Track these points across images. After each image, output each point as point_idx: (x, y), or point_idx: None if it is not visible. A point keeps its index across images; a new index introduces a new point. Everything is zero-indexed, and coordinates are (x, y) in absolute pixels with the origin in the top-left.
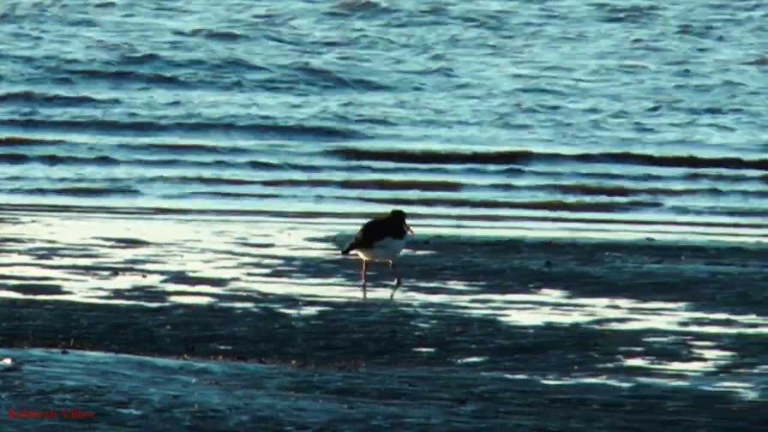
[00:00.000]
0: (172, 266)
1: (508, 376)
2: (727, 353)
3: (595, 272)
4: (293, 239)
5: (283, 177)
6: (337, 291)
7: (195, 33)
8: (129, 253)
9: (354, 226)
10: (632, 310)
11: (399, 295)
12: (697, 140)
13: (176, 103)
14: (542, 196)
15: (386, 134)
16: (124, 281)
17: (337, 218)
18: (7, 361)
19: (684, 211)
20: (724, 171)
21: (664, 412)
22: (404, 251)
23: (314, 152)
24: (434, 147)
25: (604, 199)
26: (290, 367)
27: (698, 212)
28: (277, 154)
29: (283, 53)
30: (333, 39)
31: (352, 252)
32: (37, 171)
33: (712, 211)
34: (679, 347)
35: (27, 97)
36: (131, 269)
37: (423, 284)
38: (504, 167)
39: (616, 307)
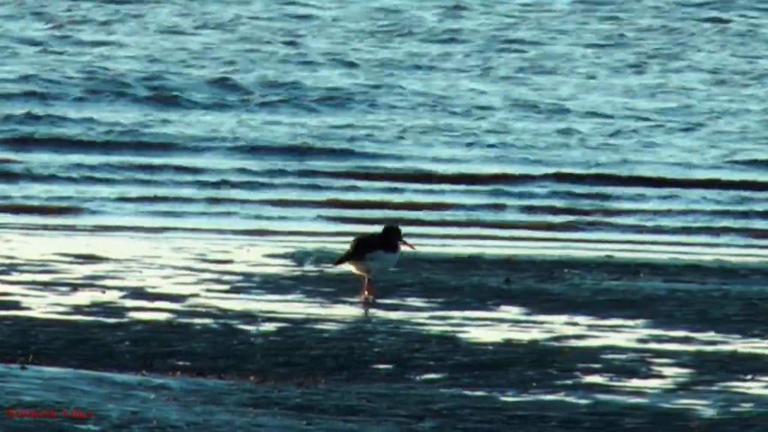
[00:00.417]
0: (131, 282)
1: (467, 392)
2: (686, 370)
3: (554, 289)
4: (252, 255)
5: (240, 195)
6: (296, 307)
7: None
8: (88, 269)
9: (313, 244)
10: (591, 327)
11: (357, 312)
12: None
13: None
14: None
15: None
16: (83, 297)
17: (296, 236)
18: None
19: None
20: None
21: (623, 429)
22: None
23: (266, 170)
24: (389, 165)
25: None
26: (249, 384)
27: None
28: (234, 172)
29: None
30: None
31: (343, 265)
32: None
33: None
34: (637, 364)
35: None
36: (90, 285)
37: (382, 301)
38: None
39: (575, 324)
